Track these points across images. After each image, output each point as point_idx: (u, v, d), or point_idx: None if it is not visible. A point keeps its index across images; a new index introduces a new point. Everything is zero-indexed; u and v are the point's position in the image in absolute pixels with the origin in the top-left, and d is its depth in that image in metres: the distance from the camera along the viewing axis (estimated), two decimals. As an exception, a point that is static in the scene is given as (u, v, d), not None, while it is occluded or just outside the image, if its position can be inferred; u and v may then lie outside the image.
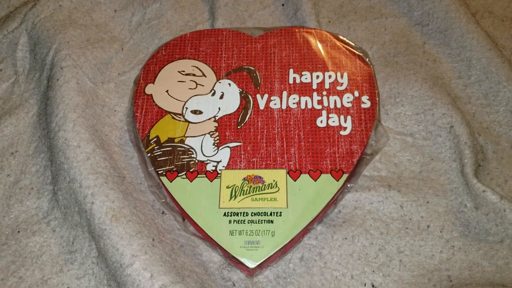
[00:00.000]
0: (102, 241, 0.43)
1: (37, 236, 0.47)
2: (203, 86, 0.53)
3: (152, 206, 0.48)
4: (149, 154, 0.49)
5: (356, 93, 0.52)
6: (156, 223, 0.46)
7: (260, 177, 0.47)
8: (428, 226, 0.47)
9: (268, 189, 0.47)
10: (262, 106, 0.52)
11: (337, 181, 0.47)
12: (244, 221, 0.45)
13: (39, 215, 0.48)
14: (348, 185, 0.48)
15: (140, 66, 0.57)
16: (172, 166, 0.48)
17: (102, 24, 0.60)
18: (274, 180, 0.47)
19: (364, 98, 0.51)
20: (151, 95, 0.52)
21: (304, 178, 0.47)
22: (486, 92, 0.54)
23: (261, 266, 0.44)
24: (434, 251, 0.45)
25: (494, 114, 0.53)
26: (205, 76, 0.54)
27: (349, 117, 0.50)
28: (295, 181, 0.47)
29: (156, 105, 0.52)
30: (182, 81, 0.53)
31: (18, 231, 0.47)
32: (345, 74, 0.53)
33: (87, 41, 0.56)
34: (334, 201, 0.47)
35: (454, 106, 0.51)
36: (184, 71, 0.54)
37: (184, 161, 0.48)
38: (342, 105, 0.51)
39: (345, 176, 0.47)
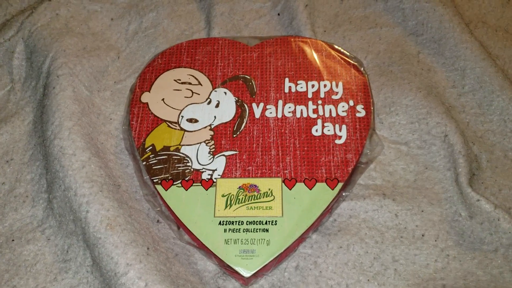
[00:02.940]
0: (96, 249, 0.43)
1: (32, 245, 0.46)
2: (199, 94, 0.53)
3: (147, 215, 0.48)
4: (144, 163, 0.49)
5: (351, 102, 0.52)
6: (151, 231, 0.46)
7: (255, 185, 0.47)
8: (423, 235, 0.47)
9: (263, 197, 0.47)
10: (257, 114, 0.52)
11: (332, 189, 0.47)
12: (239, 229, 0.45)
13: (33, 223, 0.48)
14: (343, 194, 0.48)
15: (136, 74, 0.57)
16: (168, 175, 0.48)
17: (98, 33, 0.60)
18: (269, 189, 0.47)
19: (359, 107, 0.51)
20: (147, 103, 0.52)
21: (300, 186, 0.47)
22: (480, 101, 0.55)
23: (256, 275, 0.44)
24: (429, 260, 0.45)
25: (488, 123, 0.54)
26: (201, 85, 0.54)
27: (344, 126, 0.50)
28: (290, 189, 0.47)
29: (151, 113, 0.52)
30: (178, 90, 0.53)
31: (13, 240, 0.47)
32: (340, 83, 0.53)
33: (83, 49, 0.56)
34: (329, 210, 0.47)
35: (448, 115, 0.52)
36: (180, 80, 0.54)
37: (179, 169, 0.48)
38: (337, 114, 0.51)
39: (340, 184, 0.47)
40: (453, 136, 0.50)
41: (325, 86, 0.53)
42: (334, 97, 0.52)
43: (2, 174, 0.51)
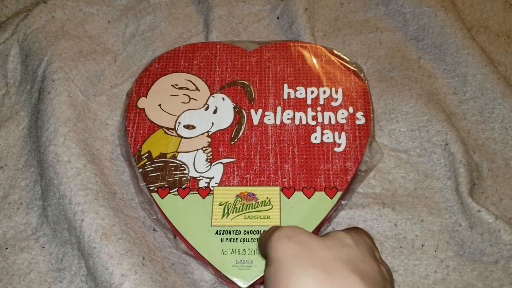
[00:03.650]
0: (91, 259, 0.42)
1: (25, 253, 0.46)
2: (196, 100, 0.52)
3: (143, 223, 0.47)
4: (140, 170, 0.48)
5: (351, 109, 0.51)
6: (147, 240, 0.45)
7: (253, 194, 0.47)
8: (422, 245, 0.46)
9: (261, 206, 0.46)
10: (256, 121, 0.51)
11: (331, 198, 0.46)
12: (236, 239, 0.44)
13: (27, 231, 0.47)
14: (342, 202, 0.48)
15: (133, 78, 0.56)
16: (164, 182, 0.47)
17: (95, 36, 0.59)
18: (267, 198, 0.46)
19: (359, 115, 0.51)
20: (144, 109, 0.52)
21: (298, 195, 0.47)
22: (481, 108, 0.54)
23: (253, 286, 0.43)
24: (428, 271, 0.45)
25: (489, 131, 0.53)
26: (199, 90, 0.53)
27: (343, 134, 0.50)
28: (288, 198, 0.46)
29: (148, 119, 0.51)
30: (175, 95, 0.53)
31: (6, 248, 0.46)
32: (340, 90, 0.52)
33: (79, 53, 0.55)
34: (328, 219, 0.47)
35: (449, 123, 0.51)
36: (177, 85, 0.53)
37: (176, 177, 0.48)
38: (337, 121, 0.51)
39: (339, 193, 0.46)
40: (454, 144, 0.49)
41: (324, 92, 0.52)
42: (333, 103, 0.52)
43: (-4, 180, 0.50)
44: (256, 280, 0.43)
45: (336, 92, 0.52)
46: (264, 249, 0.34)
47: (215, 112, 0.52)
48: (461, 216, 0.47)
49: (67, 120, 0.49)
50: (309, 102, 0.52)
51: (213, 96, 0.53)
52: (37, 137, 0.50)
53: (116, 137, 0.52)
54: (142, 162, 0.48)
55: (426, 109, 0.52)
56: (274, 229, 0.34)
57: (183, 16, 0.62)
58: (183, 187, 0.47)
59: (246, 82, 0.53)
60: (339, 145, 0.49)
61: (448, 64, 0.57)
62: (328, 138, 0.50)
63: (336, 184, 0.47)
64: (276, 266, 0.30)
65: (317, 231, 0.46)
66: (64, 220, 0.45)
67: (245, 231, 0.45)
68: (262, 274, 0.43)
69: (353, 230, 0.36)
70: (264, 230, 0.44)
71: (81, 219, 0.43)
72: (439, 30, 0.58)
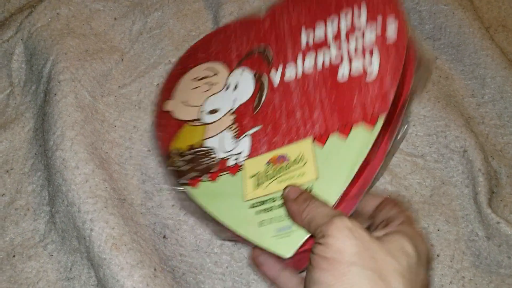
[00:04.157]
0: (101, 270, 0.41)
1: (34, 261, 0.45)
2: (217, 84, 0.50)
3: (153, 230, 0.46)
4: (171, 168, 0.46)
5: (379, 19, 0.43)
6: (158, 249, 0.44)
7: (283, 156, 0.42)
8: (438, 255, 0.45)
9: (293, 165, 0.41)
10: (276, 83, 0.47)
11: (373, 128, 0.39)
12: (271, 208, 0.40)
13: (35, 238, 0.46)
14: (395, 138, 0.41)
15: (141, 78, 0.55)
16: (194, 173, 0.45)
17: (101, 33, 0.57)
18: (299, 154, 0.42)
19: (390, 28, 0.43)
20: (170, 110, 0.50)
21: (333, 139, 0.41)
22: (500, 112, 0.52)
23: (296, 255, 0.38)
24: (443, 282, 0.44)
25: (508, 136, 0.51)
26: (217, 74, 0.51)
27: (374, 58, 0.42)
28: (323, 146, 0.41)
29: (175, 118, 0.49)
30: (197, 87, 0.51)
31: (14, 255, 0.45)
32: (363, 3, 0.45)
33: (85, 52, 0.53)
34: (381, 158, 0.40)
35: (468, 128, 0.50)
36: (197, 77, 0.51)
37: (204, 164, 0.45)
38: (364, 47, 0.43)
39: (381, 119, 0.39)
40: (473, 152, 0.48)
41: (346, 14, 0.46)
42: (357, 23, 0.45)
43: (2, 185, 0.48)
44: (299, 248, 0.38)
45: (359, 8, 0.45)
46: (316, 224, 0.34)
47: (235, 88, 0.49)
48: (478, 225, 0.46)
49: (74, 123, 0.47)
50: (330, 35, 0.46)
51: (231, 75, 0.50)
52: (43, 141, 0.48)
53: (124, 140, 0.51)
54: (172, 160, 0.46)
55: (444, 113, 0.51)
56: (334, 214, 0.34)
57: (192, 13, 0.60)
58: (213, 171, 0.44)
59: (262, 47, 0.50)
60: (371, 73, 0.42)
61: (466, 65, 0.55)
62: (357, 69, 0.43)
63: (375, 110, 0.40)
64: (336, 255, 0.31)
65: (359, 177, 0.39)
66: (73, 228, 0.44)
67: (280, 196, 0.40)
68: (304, 239, 0.38)
69: (414, 231, 0.34)
70: (287, 190, 0.39)
71: (91, 229, 0.42)
72: (456, 30, 0.56)
